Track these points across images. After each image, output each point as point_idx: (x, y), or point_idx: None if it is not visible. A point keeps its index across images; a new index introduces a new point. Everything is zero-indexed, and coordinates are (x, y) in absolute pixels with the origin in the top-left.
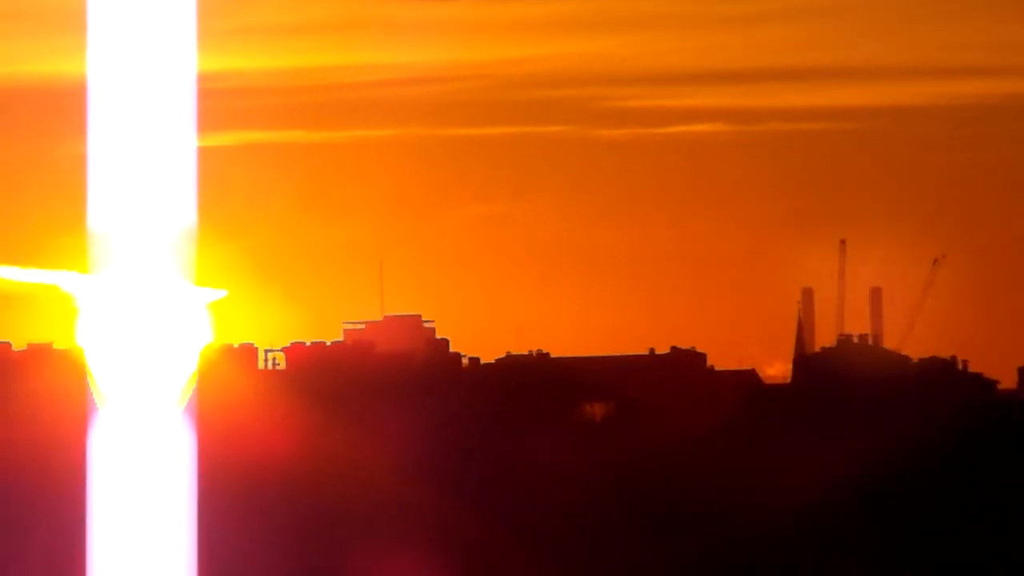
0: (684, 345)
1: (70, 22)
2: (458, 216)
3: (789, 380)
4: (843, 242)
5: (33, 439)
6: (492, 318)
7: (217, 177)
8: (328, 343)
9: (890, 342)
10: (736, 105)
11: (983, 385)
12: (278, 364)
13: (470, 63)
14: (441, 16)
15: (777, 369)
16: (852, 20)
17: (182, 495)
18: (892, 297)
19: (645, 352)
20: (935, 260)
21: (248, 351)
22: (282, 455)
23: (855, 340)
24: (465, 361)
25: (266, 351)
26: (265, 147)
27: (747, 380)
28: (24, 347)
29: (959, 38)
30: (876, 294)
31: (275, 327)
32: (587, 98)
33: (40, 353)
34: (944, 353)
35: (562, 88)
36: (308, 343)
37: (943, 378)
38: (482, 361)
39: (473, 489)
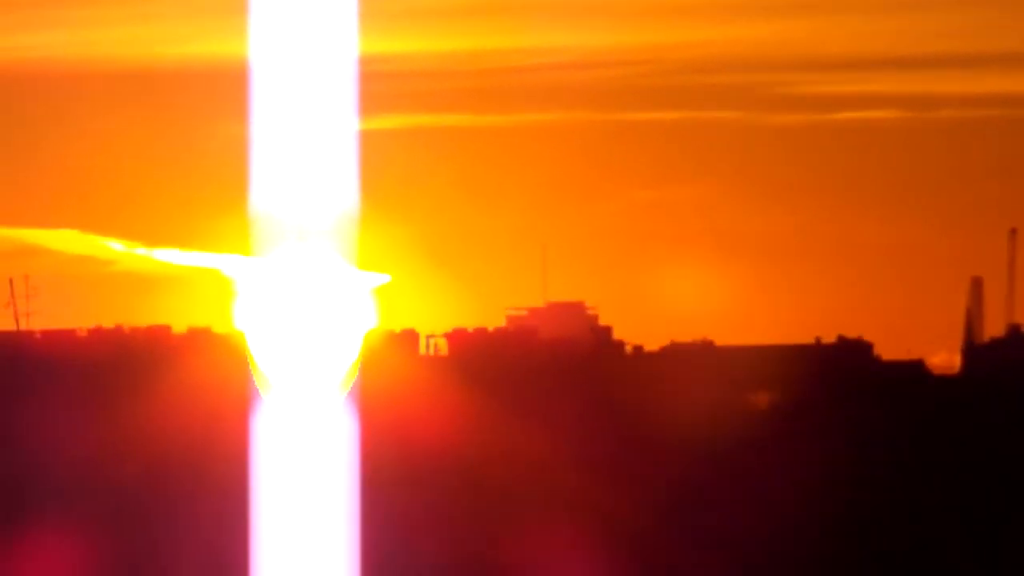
0: (850, 335)
1: (233, 4)
2: (623, 202)
3: (957, 371)
4: (1014, 231)
5: (192, 424)
6: (656, 305)
7: (381, 160)
8: (490, 329)
9: None
10: (910, 91)
11: None
12: (440, 350)
13: (639, 47)
14: None
15: (942, 359)
16: None
17: (344, 481)
18: None
19: (811, 341)
20: None
21: (410, 336)
22: (445, 442)
23: None
24: (628, 349)
25: (428, 337)
26: (429, 131)
27: (914, 370)
28: (184, 331)
29: None
30: None
31: (437, 312)
32: (757, 83)
33: (200, 336)
34: None
35: (732, 73)
36: (470, 329)
37: None
38: (645, 349)
39: (638, 480)
